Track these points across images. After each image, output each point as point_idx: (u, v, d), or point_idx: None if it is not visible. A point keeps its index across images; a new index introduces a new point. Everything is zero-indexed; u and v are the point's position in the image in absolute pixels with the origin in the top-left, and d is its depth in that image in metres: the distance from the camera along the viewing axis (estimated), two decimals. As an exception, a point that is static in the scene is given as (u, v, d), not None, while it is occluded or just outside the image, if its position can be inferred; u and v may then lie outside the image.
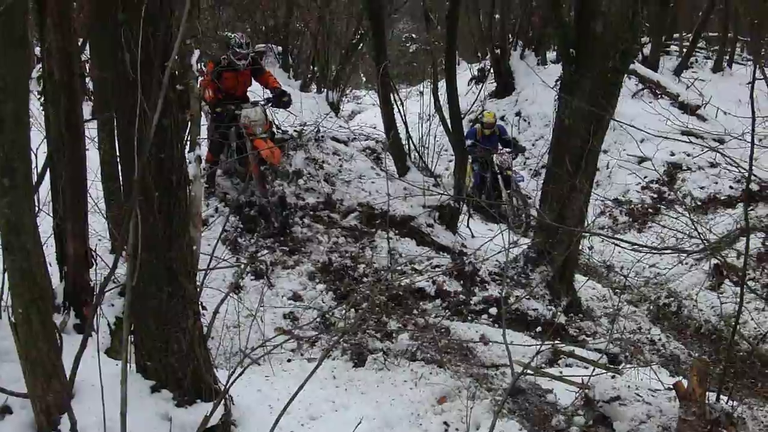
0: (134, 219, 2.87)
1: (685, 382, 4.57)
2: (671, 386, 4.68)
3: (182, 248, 3.62)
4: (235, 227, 9.93)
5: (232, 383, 2.74)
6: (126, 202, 3.62)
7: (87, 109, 5.58)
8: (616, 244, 10.22)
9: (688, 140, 10.75)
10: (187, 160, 3.80)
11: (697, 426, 4.18)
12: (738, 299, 10.15)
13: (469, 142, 14.28)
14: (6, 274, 3.20)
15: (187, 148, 4.50)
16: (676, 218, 12.42)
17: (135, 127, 2.89)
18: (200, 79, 9.69)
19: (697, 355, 8.79)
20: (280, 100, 10.35)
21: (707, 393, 4.57)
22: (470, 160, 14.58)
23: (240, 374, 2.80)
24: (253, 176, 9.73)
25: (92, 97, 9.88)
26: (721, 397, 4.71)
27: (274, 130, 11.06)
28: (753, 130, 4.87)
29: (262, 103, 10.30)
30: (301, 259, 9.59)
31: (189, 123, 6.06)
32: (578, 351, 7.87)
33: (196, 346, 3.80)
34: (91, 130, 5.40)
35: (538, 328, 8.89)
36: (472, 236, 11.84)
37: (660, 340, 9.47)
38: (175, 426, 3.66)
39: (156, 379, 3.74)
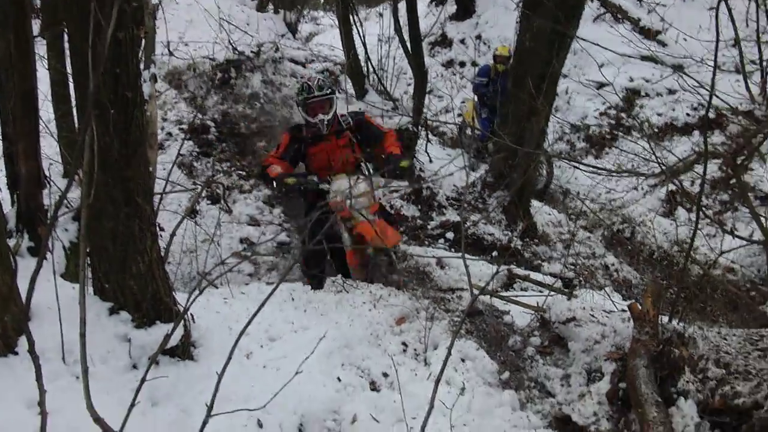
0: (89, 136, 2.81)
1: (639, 304, 4.65)
2: (626, 308, 4.76)
3: (139, 168, 3.56)
4: (190, 151, 9.80)
5: (191, 303, 2.72)
6: (80, 120, 3.53)
7: (35, 27, 5.40)
8: (575, 167, 10.30)
9: (651, 65, 10.68)
10: (142, 78, 3.70)
11: (649, 345, 4.26)
12: (692, 225, 10.37)
13: (483, 80, 12.96)
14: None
15: (142, 65, 4.38)
16: (634, 142, 12.51)
17: (88, 41, 2.79)
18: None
19: (651, 279, 8.94)
20: (397, 168, 6.43)
21: (660, 315, 4.66)
22: (477, 103, 13.28)
23: (198, 295, 2.78)
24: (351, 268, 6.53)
25: (40, 15, 9.55)
26: (673, 319, 4.80)
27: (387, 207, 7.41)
28: (716, 54, 4.85)
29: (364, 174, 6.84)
30: (257, 183, 9.54)
31: (143, 39, 5.91)
32: (533, 275, 7.96)
33: (155, 267, 3.76)
34: (40, 47, 5.24)
35: (495, 253, 8.97)
36: (430, 161, 11.84)
37: (613, 265, 9.61)
38: (134, 347, 3.64)
39: (114, 300, 3.71)
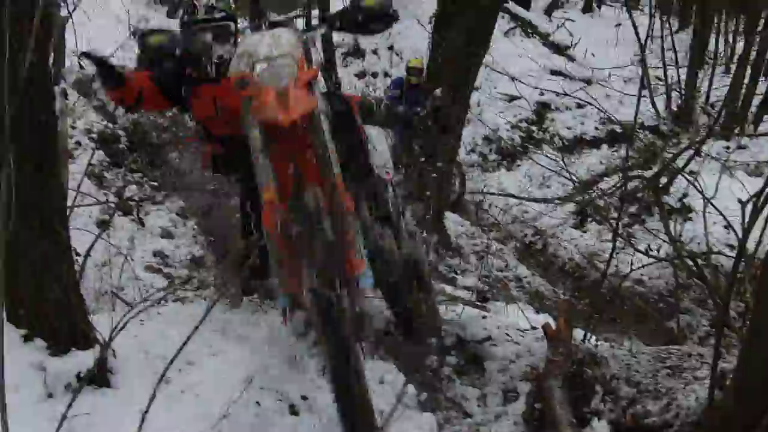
0: (6, 169, 2.73)
1: (552, 323, 4.74)
2: (541, 327, 4.84)
3: (54, 192, 3.50)
4: (100, 161, 9.58)
5: (116, 334, 2.70)
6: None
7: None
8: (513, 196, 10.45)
9: (560, 78, 10.95)
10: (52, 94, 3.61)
11: (563, 365, 4.35)
12: (601, 238, 10.64)
13: (396, 92, 12.58)
14: None
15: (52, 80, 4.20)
16: (547, 156, 12.73)
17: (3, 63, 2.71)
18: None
19: (563, 296, 9.11)
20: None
21: (573, 330, 4.77)
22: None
23: (122, 329, 2.76)
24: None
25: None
26: (586, 338, 4.92)
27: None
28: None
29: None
30: (170, 195, 9.40)
31: (53, 53, 5.72)
32: (448, 289, 8.02)
33: (71, 293, 3.69)
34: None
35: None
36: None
37: (526, 277, 9.77)
38: (49, 375, 3.54)
39: (29, 328, 3.62)
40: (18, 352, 3.57)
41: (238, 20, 4.71)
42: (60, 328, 3.67)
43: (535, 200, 8.46)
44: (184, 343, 2.56)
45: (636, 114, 8.70)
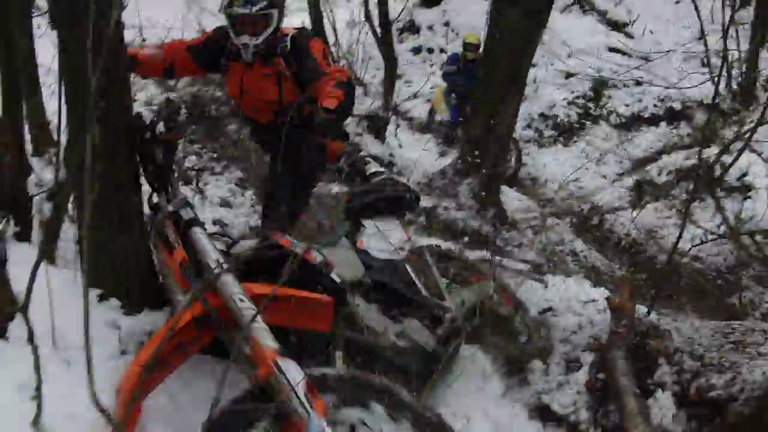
0: (90, 135, 2.80)
1: (615, 297, 4.74)
2: (605, 299, 4.84)
3: (127, 157, 3.60)
4: (161, 132, 9.74)
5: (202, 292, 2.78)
6: (69, 114, 3.52)
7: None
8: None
9: (618, 54, 10.83)
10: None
11: (626, 337, 4.36)
12: (657, 215, 10.55)
13: (452, 67, 13.18)
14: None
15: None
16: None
17: (83, 41, 2.78)
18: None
19: (620, 271, 9.08)
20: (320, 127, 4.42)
21: (635, 306, 4.76)
22: (446, 90, 13.60)
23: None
24: None
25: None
26: (650, 312, 4.91)
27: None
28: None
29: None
30: (228, 166, 9.53)
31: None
32: (505, 261, 8.03)
33: (143, 254, 3.80)
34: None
35: (466, 239, 9.04)
36: (400, 146, 11.89)
37: (582, 251, 9.73)
38: (123, 332, 3.67)
39: (104, 287, 3.73)
40: (94, 311, 3.66)
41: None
42: (133, 289, 3.78)
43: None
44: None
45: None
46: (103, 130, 3.24)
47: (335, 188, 9.09)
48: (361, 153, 5.90)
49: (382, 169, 5.36)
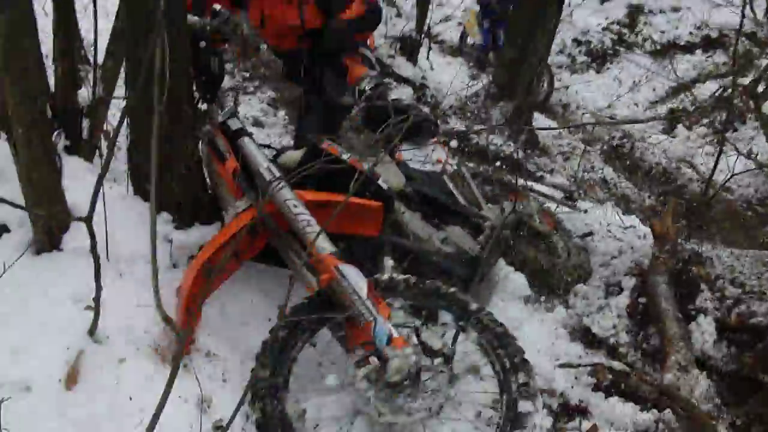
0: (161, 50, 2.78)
1: (658, 222, 4.74)
2: (649, 224, 4.86)
3: (183, 73, 3.59)
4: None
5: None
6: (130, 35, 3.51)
7: None
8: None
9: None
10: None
11: (668, 262, 4.39)
12: (689, 144, 10.47)
13: None
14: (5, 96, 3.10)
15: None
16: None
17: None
18: None
19: (649, 200, 9.06)
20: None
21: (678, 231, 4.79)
22: (479, 14, 13.30)
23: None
24: None
25: None
26: (690, 239, 4.93)
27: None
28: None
29: None
30: (260, 86, 9.50)
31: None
32: (537, 186, 8.02)
33: (195, 169, 3.82)
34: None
35: (497, 163, 9.01)
36: (431, 68, 11.80)
37: (612, 179, 9.70)
38: (174, 247, 3.71)
39: (155, 201, 3.76)
40: (145, 224, 3.72)
41: None
42: (184, 204, 3.81)
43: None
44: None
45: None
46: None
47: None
48: (386, 80, 5.82)
49: (403, 98, 5.40)
